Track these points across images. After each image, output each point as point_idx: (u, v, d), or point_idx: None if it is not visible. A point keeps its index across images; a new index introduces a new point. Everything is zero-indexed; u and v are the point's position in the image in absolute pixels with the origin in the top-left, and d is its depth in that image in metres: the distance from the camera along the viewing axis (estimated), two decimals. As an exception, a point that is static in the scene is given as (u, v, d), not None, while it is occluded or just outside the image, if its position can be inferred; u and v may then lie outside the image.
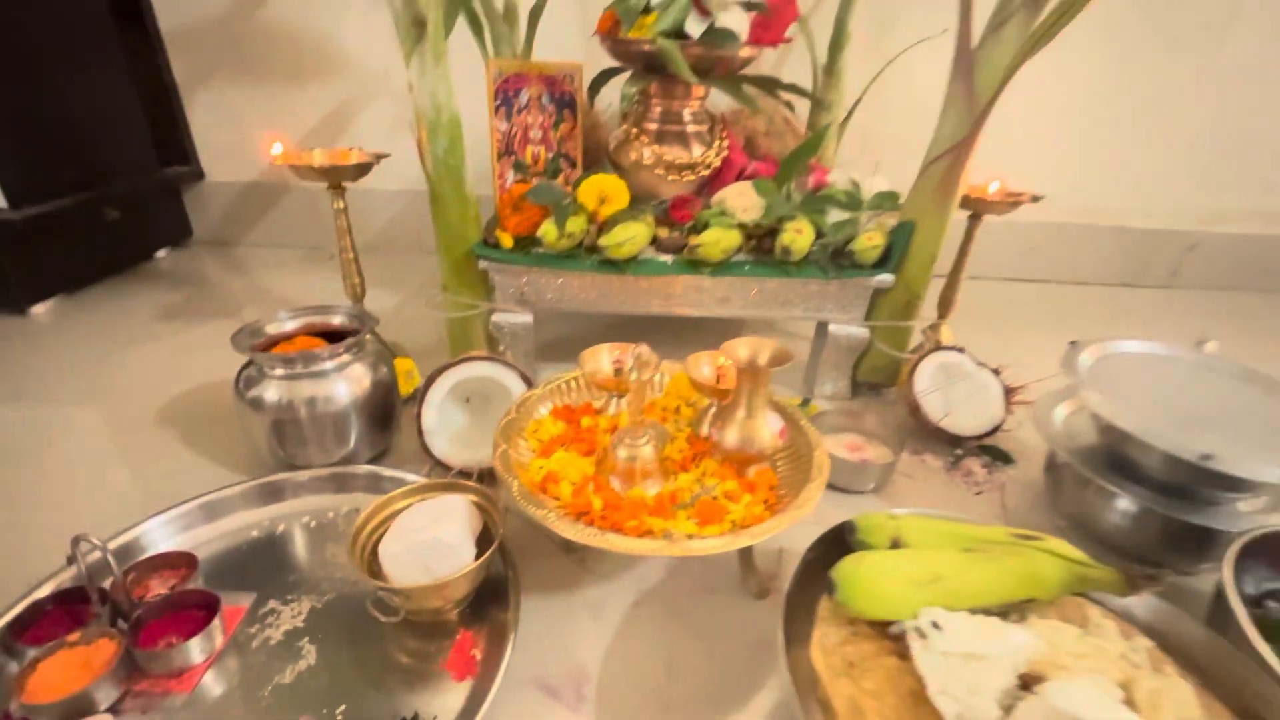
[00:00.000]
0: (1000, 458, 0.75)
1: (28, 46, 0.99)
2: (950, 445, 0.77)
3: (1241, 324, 1.26)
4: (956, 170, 0.72)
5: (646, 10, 0.82)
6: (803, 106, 1.11)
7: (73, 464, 0.69)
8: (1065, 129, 1.29)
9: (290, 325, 0.67)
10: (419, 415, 0.64)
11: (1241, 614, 0.43)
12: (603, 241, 0.75)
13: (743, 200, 0.80)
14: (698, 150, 0.89)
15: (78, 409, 0.78)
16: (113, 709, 0.42)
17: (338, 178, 0.74)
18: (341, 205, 0.77)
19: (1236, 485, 0.55)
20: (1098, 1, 1.12)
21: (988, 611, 0.40)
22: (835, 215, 0.81)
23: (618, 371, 0.60)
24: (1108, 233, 1.38)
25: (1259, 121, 1.28)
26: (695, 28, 0.80)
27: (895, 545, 0.46)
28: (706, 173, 0.89)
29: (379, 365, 0.67)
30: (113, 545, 0.49)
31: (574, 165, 0.90)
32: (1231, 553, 0.48)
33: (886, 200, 0.80)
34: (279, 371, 0.61)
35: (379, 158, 0.78)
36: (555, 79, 0.86)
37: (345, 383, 0.64)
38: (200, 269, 1.26)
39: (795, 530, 0.49)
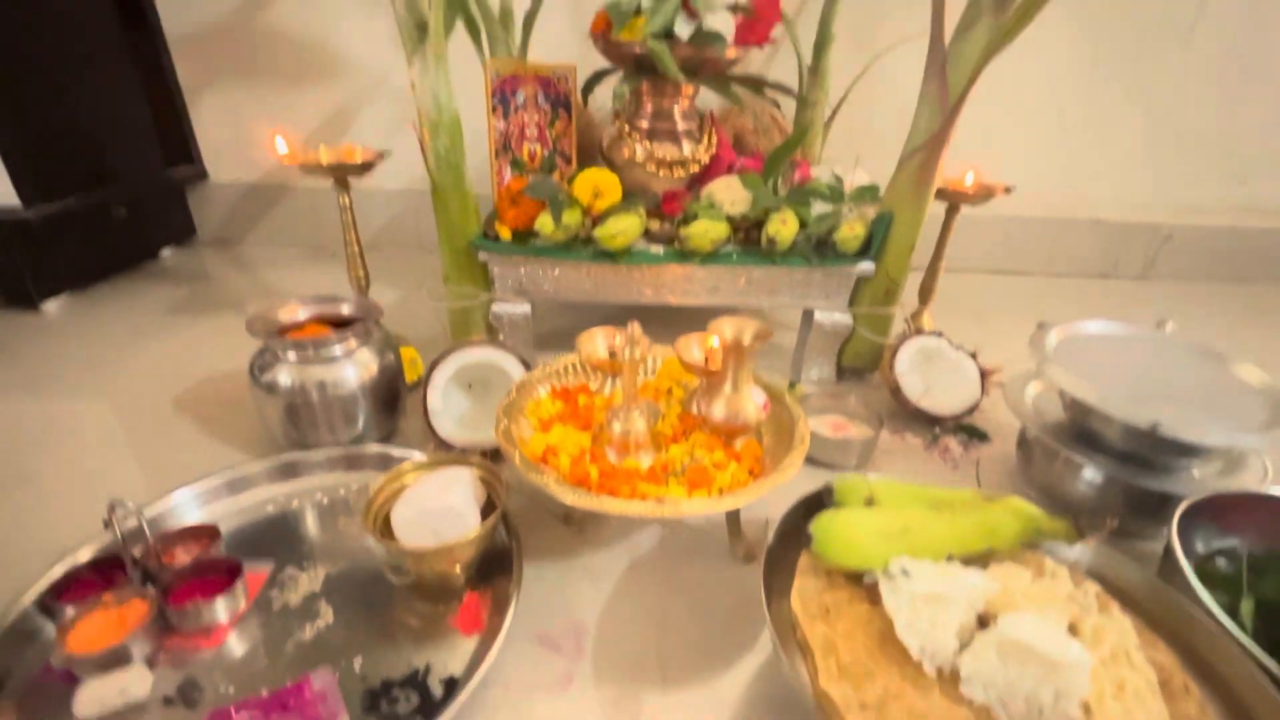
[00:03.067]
0: (976, 435, 0.79)
1: (39, 52, 1.02)
2: (929, 425, 0.81)
3: (1216, 313, 1.31)
4: (932, 163, 0.77)
5: (637, 12, 0.85)
6: (790, 104, 1.15)
7: (95, 449, 0.72)
8: (1042, 124, 1.34)
9: (301, 314, 0.70)
10: (424, 397, 0.68)
11: (1184, 564, 0.47)
12: (597, 233, 0.78)
13: (730, 193, 0.84)
14: (688, 147, 0.93)
15: (94, 400, 0.81)
16: (147, 662, 0.45)
17: (343, 174, 0.77)
18: (347, 201, 0.81)
19: (1188, 451, 0.59)
20: (1066, 4, 1.16)
21: (951, 560, 0.44)
22: (819, 207, 0.85)
23: (612, 354, 0.64)
24: (1085, 225, 1.43)
25: (1229, 117, 1.33)
26: (684, 29, 0.84)
27: (869, 505, 0.49)
28: (696, 169, 0.93)
29: (385, 352, 0.71)
30: (145, 517, 0.52)
31: (569, 162, 0.94)
32: (1178, 513, 0.52)
33: (867, 193, 0.84)
34: (292, 356, 0.65)
35: (381, 155, 0.81)
36: (550, 79, 0.89)
37: (354, 367, 0.67)
38: (204, 266, 1.29)
39: (780, 500, 0.53)
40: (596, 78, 1.01)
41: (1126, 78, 1.29)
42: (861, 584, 0.45)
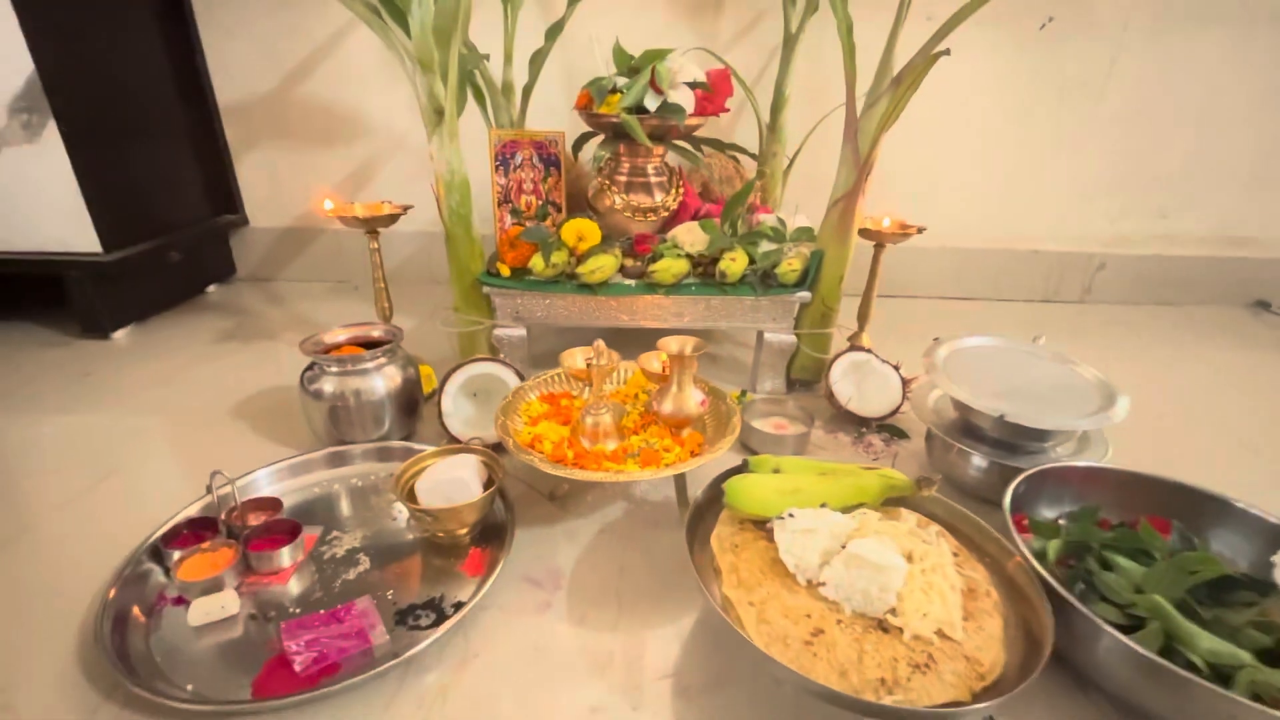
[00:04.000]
0: (896, 433, 0.95)
1: (114, 121, 1.22)
2: (858, 425, 0.96)
3: (1149, 334, 1.46)
4: (850, 211, 0.94)
5: (614, 91, 1.05)
6: (751, 158, 1.34)
7: (172, 447, 0.89)
8: (981, 167, 1.52)
9: (341, 337, 0.88)
10: (439, 401, 0.85)
11: (1007, 515, 0.62)
12: (580, 270, 0.96)
13: (690, 236, 1.02)
14: (659, 196, 1.11)
15: (163, 412, 0.98)
16: (236, 590, 0.61)
17: (374, 225, 0.96)
18: (376, 246, 0.99)
19: (1041, 436, 0.75)
20: (993, 68, 1.36)
21: (824, 507, 0.60)
22: (765, 246, 1.02)
23: (588, 365, 0.80)
24: (1025, 255, 1.60)
25: (1144, 161, 1.51)
26: (652, 103, 1.03)
27: (776, 473, 0.65)
28: (666, 214, 1.11)
29: (407, 367, 0.88)
30: (233, 487, 0.69)
31: (559, 210, 1.12)
32: (1014, 482, 0.67)
33: (804, 233, 1.01)
34: (334, 369, 0.82)
35: (405, 209, 1.00)
36: (543, 143, 1.08)
37: (382, 379, 0.84)
38: (244, 301, 1.48)
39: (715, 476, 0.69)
40: (583, 140, 1.20)
41: (1051, 128, 1.48)
42: (764, 529, 0.61)
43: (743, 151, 1.11)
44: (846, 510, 0.61)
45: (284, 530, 0.67)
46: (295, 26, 1.37)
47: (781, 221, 1.05)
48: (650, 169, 1.11)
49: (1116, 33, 1.41)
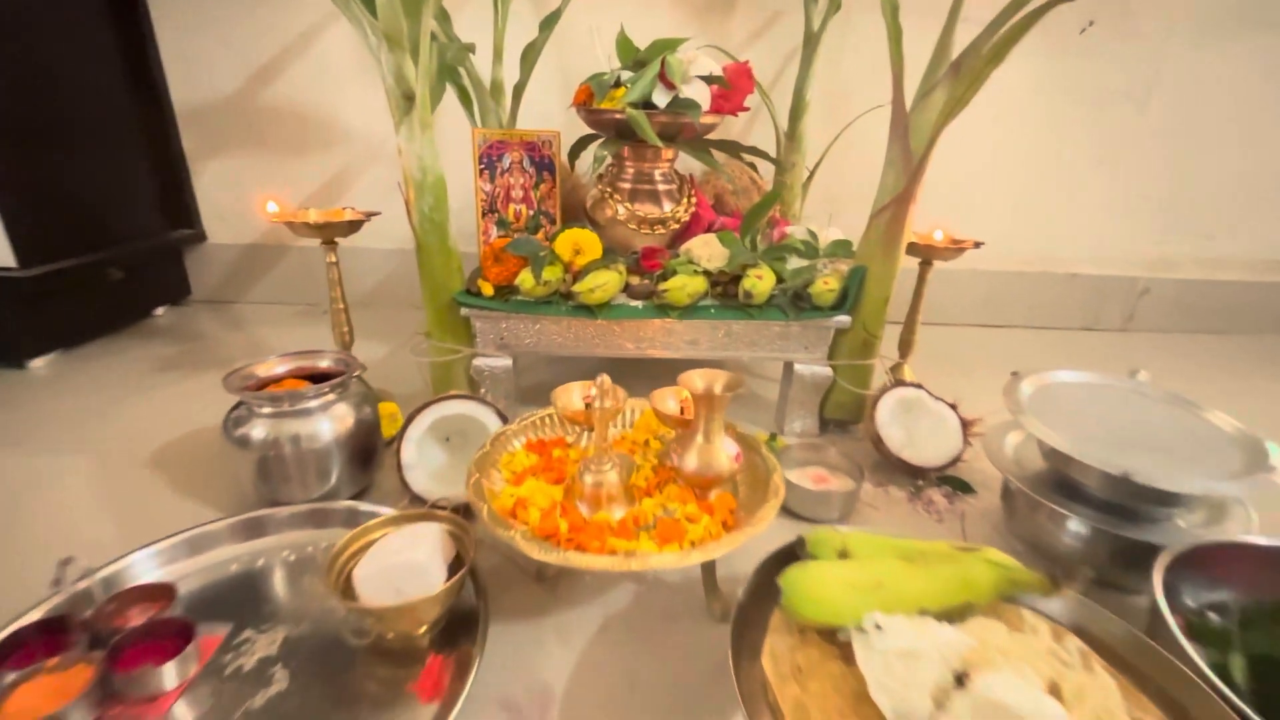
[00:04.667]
0: (960, 487, 0.78)
1: (47, 119, 1.07)
2: (912, 476, 0.80)
3: (1194, 363, 1.32)
4: (899, 219, 0.79)
5: (617, 84, 0.91)
6: (768, 166, 1.20)
7: (60, 507, 0.71)
8: (1015, 184, 1.39)
9: (280, 369, 0.71)
10: (398, 450, 0.67)
11: (1169, 618, 0.45)
12: (576, 288, 0.80)
13: (708, 250, 0.86)
14: (668, 206, 0.96)
15: (70, 457, 0.80)
16: (86, 732, 0.43)
17: (330, 234, 0.80)
18: (334, 259, 0.83)
19: (1168, 500, 0.59)
20: (1032, 76, 1.23)
21: (925, 614, 0.43)
22: (794, 262, 0.87)
23: (587, 406, 0.64)
24: (1062, 279, 1.46)
25: (1189, 178, 1.39)
26: (661, 99, 0.88)
27: (843, 557, 0.48)
28: (677, 226, 0.96)
29: (363, 406, 0.71)
30: (97, 577, 0.51)
31: (553, 222, 0.97)
32: (1160, 564, 0.51)
33: (840, 248, 0.86)
34: (266, 410, 0.65)
35: (370, 215, 0.84)
36: (535, 144, 0.93)
37: (329, 421, 0.67)
38: (197, 325, 1.31)
39: (757, 555, 0.52)
40: (582, 143, 1.06)
41: (1091, 142, 1.36)
42: (835, 641, 0.44)
43: (764, 157, 0.97)
44: (949, 613, 0.44)
45: (171, 633, 0.49)
46: (263, 21, 1.24)
47: (813, 234, 0.91)
48: (658, 175, 0.97)
49: (1161, 40, 1.29)
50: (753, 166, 1.11)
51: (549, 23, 1.02)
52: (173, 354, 1.15)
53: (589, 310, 0.81)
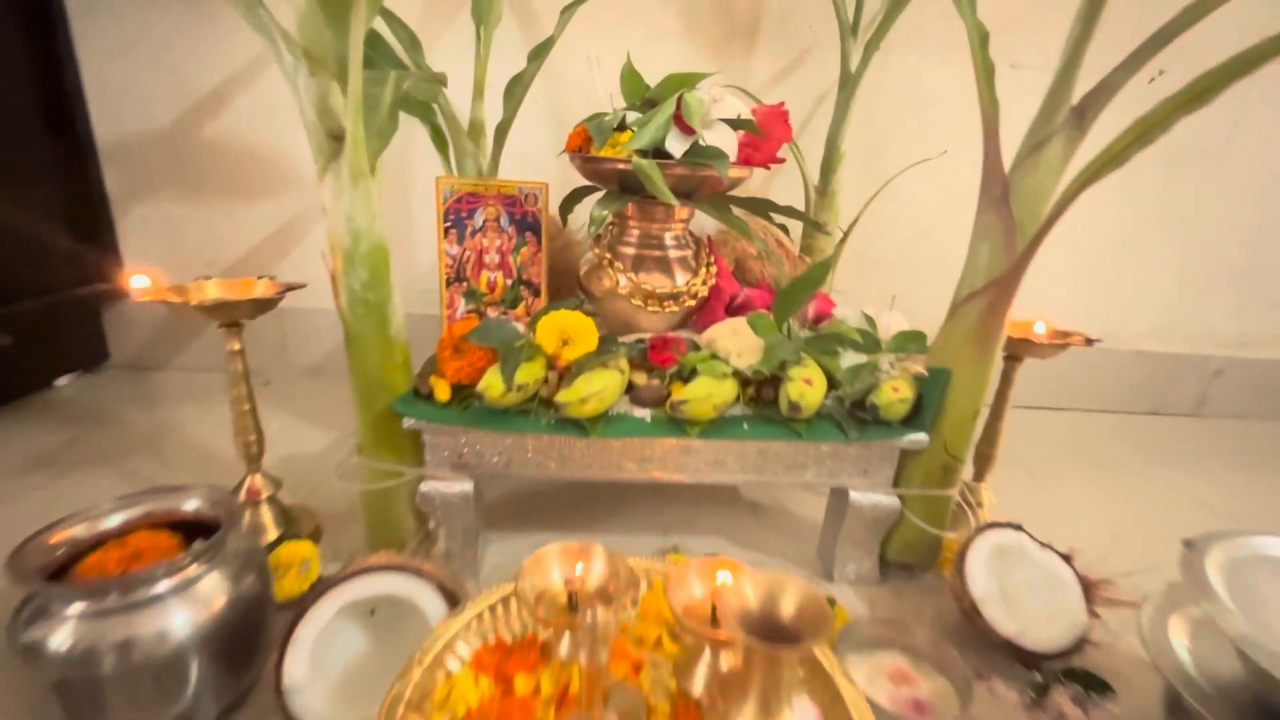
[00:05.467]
0: (1095, 686, 0.56)
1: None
2: (1023, 665, 0.58)
3: (1275, 456, 1.12)
4: (998, 311, 0.59)
5: (621, 127, 0.72)
6: (795, 225, 1.01)
7: None
8: (1075, 248, 1.21)
9: (116, 520, 0.48)
10: (279, 664, 0.44)
11: None
12: (562, 397, 0.59)
13: (737, 341, 0.66)
14: (681, 278, 0.77)
15: None
16: None
17: (228, 315, 0.59)
18: (238, 347, 0.62)
19: None
20: (1093, 127, 1.04)
21: None
22: (849, 358, 0.67)
23: (571, 596, 0.42)
24: (1126, 357, 1.27)
25: (1271, 243, 1.22)
26: (676, 146, 0.70)
27: None
28: (692, 304, 0.76)
29: (244, 574, 0.48)
30: None
31: (536, 293, 0.77)
32: None
33: (910, 341, 0.66)
34: (74, 609, 0.42)
35: (290, 289, 0.63)
36: (516, 199, 0.74)
37: (186, 609, 0.45)
38: (103, 400, 1.08)
39: None
40: (576, 195, 0.87)
41: (1160, 203, 1.19)
42: None
43: (799, 218, 0.78)
44: None
45: None
46: (205, 44, 1.05)
47: (869, 320, 0.71)
48: (669, 239, 0.77)
49: (1239, 92, 1.12)
50: (782, 227, 0.92)
51: (539, 52, 0.84)
52: (54, 444, 0.92)
53: (579, 426, 0.60)
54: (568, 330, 0.63)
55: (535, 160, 1.08)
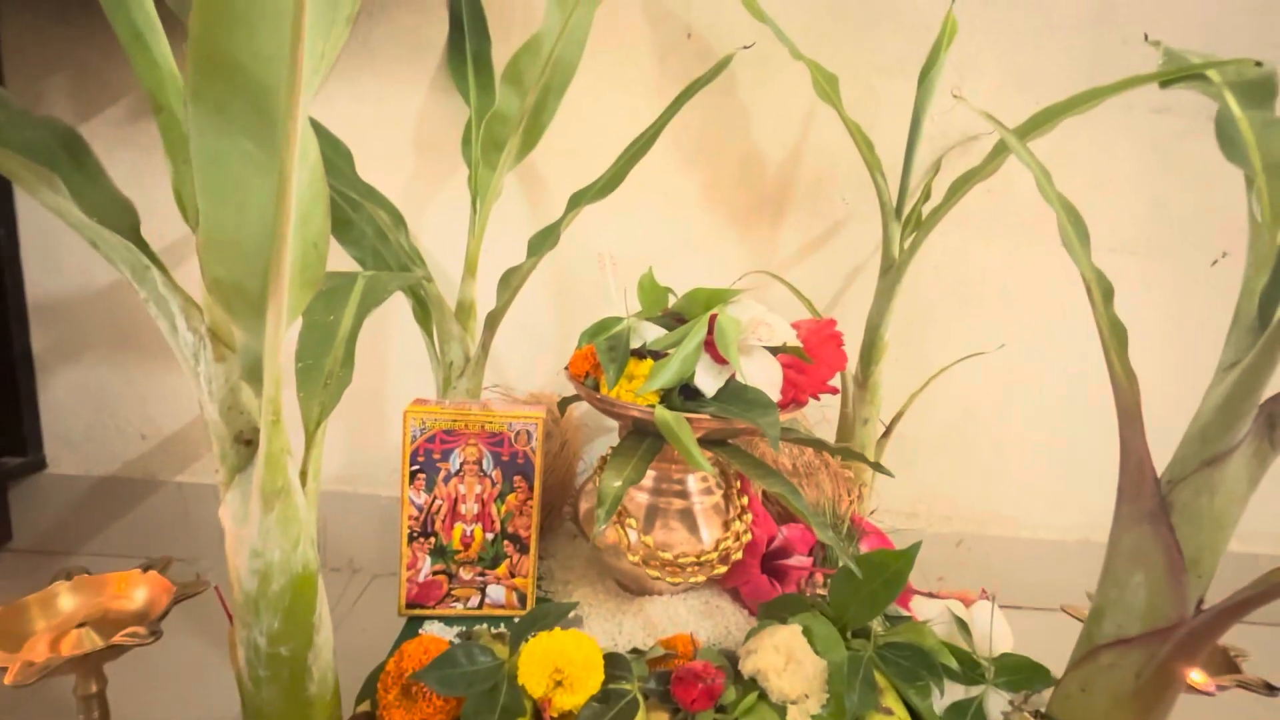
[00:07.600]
0: None
1: None
2: None
3: None
4: (1169, 672, 0.42)
5: (640, 355, 0.58)
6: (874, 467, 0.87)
7: None
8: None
9: None
10: None
11: None
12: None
13: (791, 677, 0.48)
14: (709, 535, 0.60)
15: None
16: None
17: (82, 667, 0.41)
18: (94, 689, 0.43)
19: None
20: (1157, 308, 0.91)
21: None
22: (948, 694, 0.49)
23: None
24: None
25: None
26: (709, 381, 0.56)
27: None
28: (723, 568, 0.60)
29: None
30: None
31: (524, 549, 0.61)
32: None
33: (1029, 677, 0.49)
34: None
35: (153, 636, 0.45)
36: (504, 436, 0.59)
37: None
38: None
39: None
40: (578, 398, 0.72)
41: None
42: None
43: (861, 459, 0.62)
44: None
45: None
46: (160, 179, 0.94)
47: (964, 625, 0.53)
48: (694, 481, 0.62)
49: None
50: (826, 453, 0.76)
51: (539, 245, 0.72)
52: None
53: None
54: (563, 665, 0.46)
55: (535, 333, 0.95)
